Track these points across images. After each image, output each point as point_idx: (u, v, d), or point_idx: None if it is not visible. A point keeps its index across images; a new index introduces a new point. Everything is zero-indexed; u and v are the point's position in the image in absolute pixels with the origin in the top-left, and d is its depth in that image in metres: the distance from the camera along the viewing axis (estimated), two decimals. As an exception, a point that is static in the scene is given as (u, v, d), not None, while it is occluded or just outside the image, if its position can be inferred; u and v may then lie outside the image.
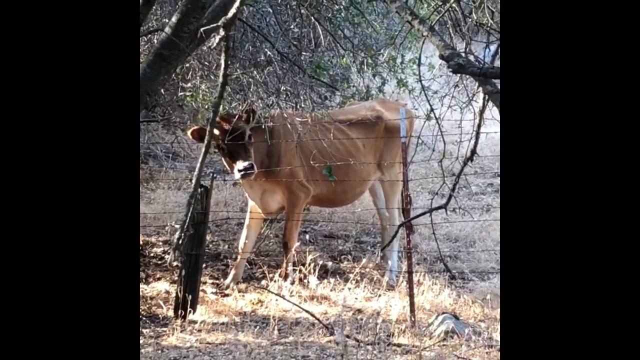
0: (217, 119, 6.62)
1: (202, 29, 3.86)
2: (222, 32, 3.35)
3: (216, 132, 6.58)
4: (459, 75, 5.23)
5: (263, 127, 6.74)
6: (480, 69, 2.68)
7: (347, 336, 5.95)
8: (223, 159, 6.97)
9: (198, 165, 4.07)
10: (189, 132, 6.83)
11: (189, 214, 4.15)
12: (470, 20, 4.76)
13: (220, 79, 3.60)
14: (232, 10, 3.30)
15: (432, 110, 5.48)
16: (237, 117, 6.65)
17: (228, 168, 6.97)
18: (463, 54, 3.13)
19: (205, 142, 4.06)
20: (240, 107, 6.84)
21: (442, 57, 2.81)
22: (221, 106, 6.73)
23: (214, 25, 3.54)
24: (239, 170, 6.65)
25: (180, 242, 4.13)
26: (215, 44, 3.57)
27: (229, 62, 3.73)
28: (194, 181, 4.23)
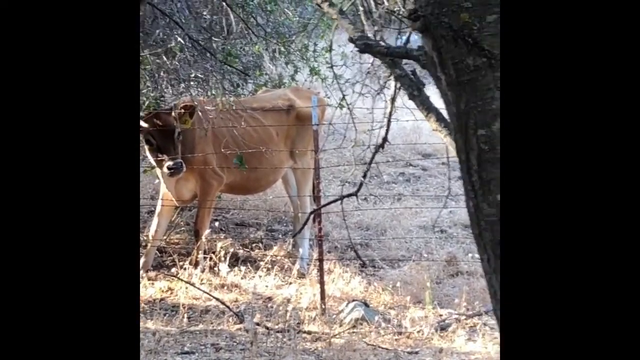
0: (149, 113, 6.61)
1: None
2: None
3: (145, 125, 6.59)
4: (370, 62, 5.25)
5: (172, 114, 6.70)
6: (388, 48, 2.69)
7: (257, 324, 5.95)
8: (150, 153, 6.88)
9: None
10: None
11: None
12: (381, 7, 4.77)
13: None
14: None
15: (343, 98, 5.50)
16: (170, 113, 6.64)
17: (154, 163, 6.90)
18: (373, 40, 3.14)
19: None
20: (167, 99, 6.81)
21: (351, 39, 2.82)
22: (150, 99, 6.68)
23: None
24: (169, 168, 6.63)
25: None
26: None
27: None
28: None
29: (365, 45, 2.54)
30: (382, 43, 2.85)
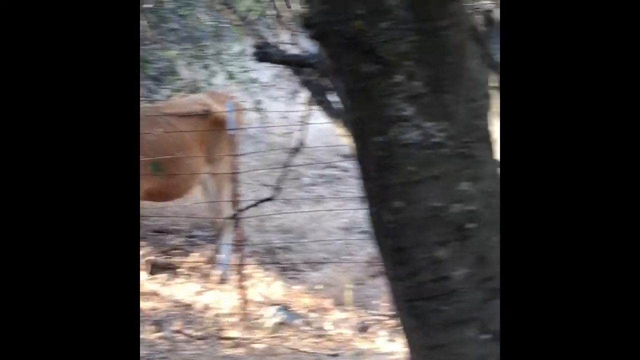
0: None
1: None
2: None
3: None
4: (282, 67, 5.25)
5: None
6: (284, 56, 2.68)
7: (177, 331, 5.90)
8: None
9: None
10: None
11: None
12: (291, 12, 4.77)
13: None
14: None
15: (259, 102, 5.49)
16: None
17: None
18: (277, 46, 3.13)
19: None
20: None
21: (254, 46, 2.81)
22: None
23: None
24: None
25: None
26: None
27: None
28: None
29: (262, 54, 2.53)
30: (279, 51, 2.83)
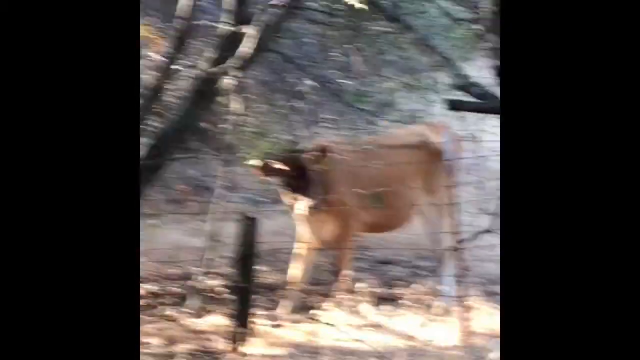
0: (284, 155, 6.73)
1: (212, 70, 3.86)
2: (234, 72, 3.34)
3: (283, 167, 6.69)
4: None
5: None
6: (476, 105, 2.64)
7: (401, 364, 5.90)
8: (285, 194, 6.99)
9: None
10: (254, 166, 6.85)
11: (207, 256, 4.13)
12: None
13: (235, 118, 3.60)
14: (245, 50, 3.28)
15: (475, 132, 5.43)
16: (306, 154, 6.73)
17: (289, 203, 6.99)
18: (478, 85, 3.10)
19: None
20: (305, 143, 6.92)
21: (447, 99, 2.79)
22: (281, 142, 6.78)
23: (226, 65, 3.54)
24: (304, 208, 6.72)
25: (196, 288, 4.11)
26: (229, 84, 3.56)
27: (246, 100, 3.71)
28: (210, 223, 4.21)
29: (458, 102, 2.49)
30: (481, 91, 2.79)
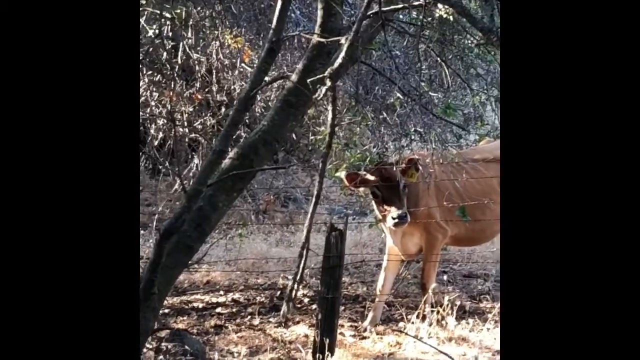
0: (372, 167, 6.77)
1: (308, 80, 3.89)
2: (328, 83, 3.38)
3: (372, 178, 6.73)
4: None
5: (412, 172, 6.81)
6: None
7: (487, 379, 5.87)
8: (376, 206, 7.03)
9: (308, 217, 4.09)
10: (344, 177, 6.90)
11: (302, 265, 4.18)
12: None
13: (328, 129, 3.63)
14: (338, 61, 3.33)
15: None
16: (395, 167, 6.76)
17: (379, 215, 7.03)
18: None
19: (316, 191, 4.08)
20: (395, 155, 6.94)
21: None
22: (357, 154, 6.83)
23: (320, 76, 3.57)
24: (393, 218, 6.73)
25: (293, 294, 4.15)
26: (321, 95, 3.60)
27: (337, 112, 3.75)
28: (304, 233, 4.25)
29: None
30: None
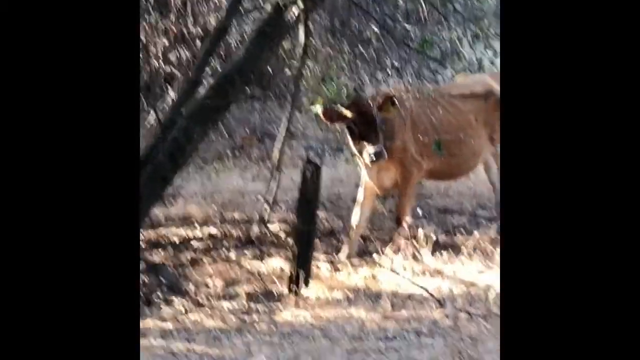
0: (348, 102, 6.70)
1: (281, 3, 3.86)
2: (300, 4, 3.35)
3: (349, 113, 6.68)
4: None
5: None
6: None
7: (459, 309, 5.93)
8: (352, 141, 6.97)
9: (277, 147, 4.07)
10: (320, 113, 6.80)
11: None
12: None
13: (300, 51, 3.60)
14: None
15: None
16: (371, 101, 6.73)
17: (355, 150, 6.98)
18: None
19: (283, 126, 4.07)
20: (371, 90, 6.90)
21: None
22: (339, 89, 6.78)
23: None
24: (370, 154, 6.70)
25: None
26: (294, 17, 3.57)
27: (310, 42, 3.70)
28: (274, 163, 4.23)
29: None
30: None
